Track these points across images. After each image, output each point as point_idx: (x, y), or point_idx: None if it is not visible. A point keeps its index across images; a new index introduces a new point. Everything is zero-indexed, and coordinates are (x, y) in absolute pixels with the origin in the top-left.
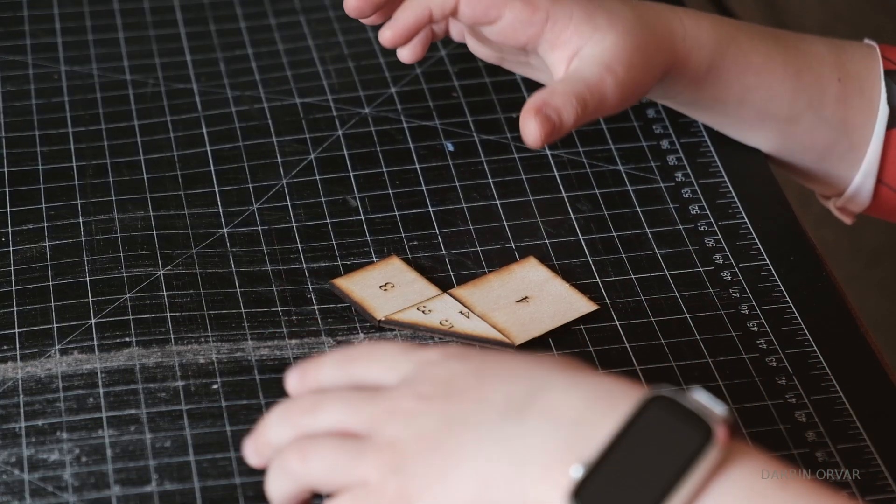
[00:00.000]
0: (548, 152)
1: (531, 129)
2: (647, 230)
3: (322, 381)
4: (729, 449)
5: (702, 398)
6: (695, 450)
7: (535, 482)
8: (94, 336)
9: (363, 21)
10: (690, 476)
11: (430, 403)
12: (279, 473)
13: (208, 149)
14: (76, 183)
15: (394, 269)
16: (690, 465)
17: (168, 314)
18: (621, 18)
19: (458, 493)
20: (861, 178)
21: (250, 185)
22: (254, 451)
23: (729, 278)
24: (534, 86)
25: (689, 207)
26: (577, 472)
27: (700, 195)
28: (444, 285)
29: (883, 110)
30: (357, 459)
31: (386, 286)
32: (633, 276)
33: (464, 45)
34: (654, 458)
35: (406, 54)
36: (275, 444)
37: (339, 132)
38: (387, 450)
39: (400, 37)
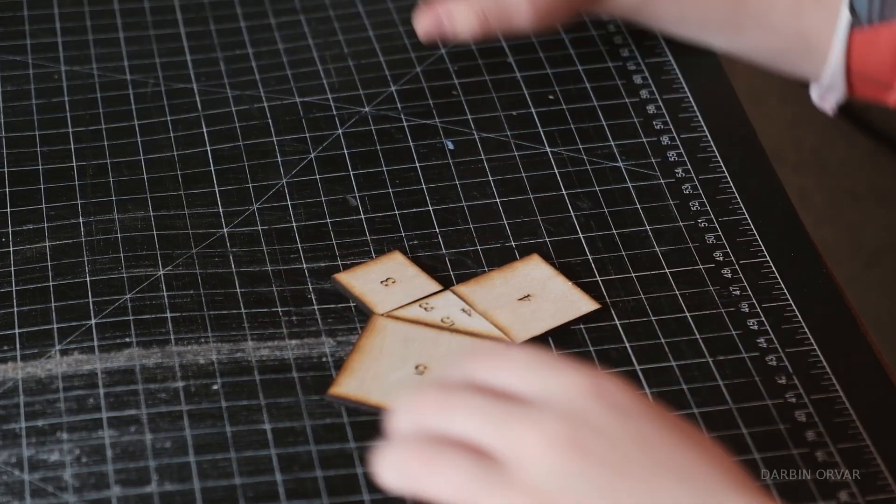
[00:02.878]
0: (547, 150)
1: (421, 25)
2: (648, 227)
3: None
4: None
5: None
6: None
7: None
8: (95, 336)
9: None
10: None
11: (588, 460)
12: (397, 468)
13: (208, 148)
14: (76, 183)
15: (395, 264)
16: None
17: (168, 314)
18: None
19: None
20: (829, 76)
21: (250, 185)
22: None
23: (729, 276)
24: (534, 83)
25: (690, 204)
26: None
27: (700, 192)
28: (445, 284)
29: (844, 16)
30: (489, 489)
31: (387, 281)
32: (633, 274)
33: (464, 44)
34: None
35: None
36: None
37: (339, 131)
38: (526, 494)
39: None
